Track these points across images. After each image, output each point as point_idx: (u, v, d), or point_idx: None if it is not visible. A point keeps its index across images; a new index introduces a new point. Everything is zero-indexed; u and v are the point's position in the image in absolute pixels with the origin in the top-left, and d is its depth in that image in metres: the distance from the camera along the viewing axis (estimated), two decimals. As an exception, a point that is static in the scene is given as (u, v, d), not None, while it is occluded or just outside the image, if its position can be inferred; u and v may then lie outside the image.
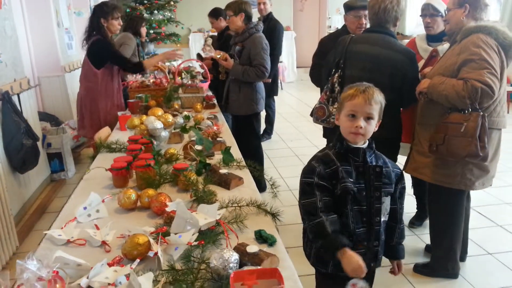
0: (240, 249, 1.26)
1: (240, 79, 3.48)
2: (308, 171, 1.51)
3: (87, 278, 1.13)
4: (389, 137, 2.58)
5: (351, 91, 1.51)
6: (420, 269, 2.62)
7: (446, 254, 2.53)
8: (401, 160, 2.72)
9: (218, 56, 3.54)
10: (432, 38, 2.93)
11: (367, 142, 1.52)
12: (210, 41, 5.10)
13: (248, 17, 3.49)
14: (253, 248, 1.26)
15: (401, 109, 2.92)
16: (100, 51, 3.39)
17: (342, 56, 2.58)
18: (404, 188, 1.61)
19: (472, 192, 2.99)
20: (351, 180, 1.45)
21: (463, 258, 2.69)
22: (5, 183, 2.85)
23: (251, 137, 3.76)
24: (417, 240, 3.00)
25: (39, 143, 3.58)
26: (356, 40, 2.59)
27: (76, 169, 4.39)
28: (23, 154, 3.19)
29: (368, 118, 1.47)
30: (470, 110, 2.17)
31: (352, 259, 1.39)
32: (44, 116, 4.39)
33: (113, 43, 3.60)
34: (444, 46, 2.70)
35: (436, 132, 2.29)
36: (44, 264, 0.97)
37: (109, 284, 1.11)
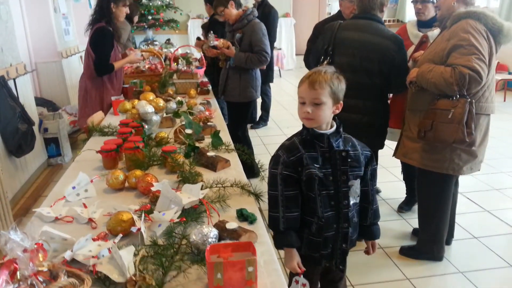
0: (220, 225, 1.32)
1: (243, 66, 3.50)
2: (274, 161, 1.53)
3: (71, 251, 1.19)
4: (376, 122, 2.63)
5: (302, 78, 1.51)
6: (405, 252, 2.69)
7: (432, 237, 2.59)
8: (392, 145, 2.77)
9: (221, 45, 3.54)
10: (423, 24, 2.95)
11: (335, 126, 1.53)
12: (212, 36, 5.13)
13: (238, 2, 3.50)
14: (232, 224, 1.31)
15: (393, 95, 2.98)
16: (101, 41, 3.31)
17: (331, 43, 2.60)
18: (375, 169, 1.63)
19: (462, 178, 3.04)
20: (317, 166, 1.47)
21: (448, 242, 2.75)
22: (1, 167, 2.90)
23: (244, 124, 3.82)
24: (405, 224, 3.06)
25: (35, 128, 3.63)
26: (344, 26, 2.61)
27: (72, 154, 4.44)
28: (18, 138, 3.24)
29: (315, 103, 1.45)
30: (458, 96, 2.20)
31: (291, 260, 1.52)
32: (41, 102, 4.44)
33: (115, 32, 3.45)
34: (434, 32, 2.73)
35: (424, 118, 2.33)
36: (28, 236, 1.03)
37: (92, 256, 1.16)
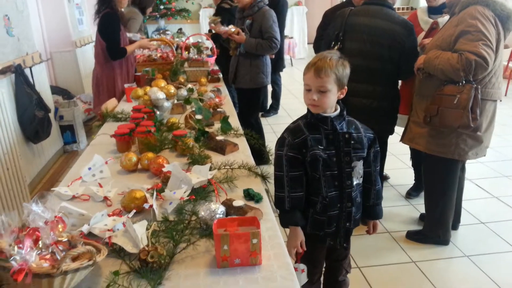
0: (227, 203, 1.39)
1: (253, 53, 3.56)
2: (279, 143, 1.58)
3: (88, 225, 1.27)
4: (386, 107, 2.66)
5: (307, 65, 1.53)
6: (412, 236, 2.73)
7: (438, 221, 2.63)
8: (401, 131, 2.79)
9: (233, 30, 3.59)
10: (433, 10, 2.96)
11: (338, 110, 1.57)
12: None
13: None
14: (239, 202, 1.38)
15: (402, 81, 3.00)
16: (109, 26, 3.42)
17: (342, 29, 2.63)
18: (378, 151, 1.67)
19: (471, 165, 3.07)
20: (321, 147, 1.52)
21: (455, 227, 2.79)
22: (19, 152, 3.01)
23: (255, 111, 3.88)
24: (412, 210, 3.10)
25: (51, 115, 3.73)
26: (355, 12, 2.64)
27: (87, 141, 4.56)
28: (35, 125, 3.35)
29: (321, 91, 1.49)
30: (464, 82, 2.22)
31: (295, 238, 1.58)
32: (56, 90, 4.55)
33: (122, 18, 3.59)
34: (444, 18, 2.74)
35: (430, 104, 2.35)
36: (49, 209, 1.11)
37: (107, 230, 1.24)
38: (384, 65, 2.56)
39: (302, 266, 1.63)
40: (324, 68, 1.48)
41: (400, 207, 3.15)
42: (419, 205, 3.13)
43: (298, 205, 1.56)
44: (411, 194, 3.28)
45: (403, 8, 9.47)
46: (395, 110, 2.75)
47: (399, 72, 2.64)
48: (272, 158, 2.00)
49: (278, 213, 1.58)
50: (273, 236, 1.28)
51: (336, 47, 2.66)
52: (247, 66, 3.65)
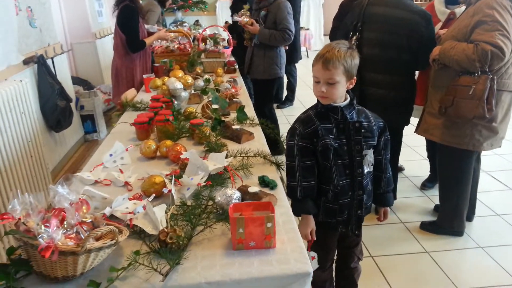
0: (242, 189, 1.43)
1: (266, 44, 3.60)
2: (290, 133, 1.61)
3: (110, 207, 1.33)
4: (403, 97, 2.66)
5: (316, 56, 1.53)
6: (426, 226, 2.74)
7: (452, 212, 2.63)
8: (415, 122, 2.79)
9: (246, 20, 3.63)
10: (450, 1, 2.93)
11: (348, 99, 1.58)
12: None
13: None
14: (254, 188, 1.42)
15: (419, 72, 2.99)
16: (128, 19, 3.49)
17: (360, 19, 2.63)
18: (388, 140, 1.69)
19: (487, 157, 3.04)
20: (331, 136, 1.54)
21: (470, 218, 2.79)
22: (42, 140, 3.11)
23: (269, 102, 3.93)
24: (427, 201, 3.10)
25: (72, 105, 3.83)
26: (373, 2, 2.63)
27: (107, 130, 4.66)
28: (57, 114, 3.45)
29: (329, 83, 1.50)
30: (479, 73, 2.21)
31: (307, 226, 1.61)
32: (77, 80, 4.65)
33: (140, 10, 3.66)
34: (461, 9, 2.71)
35: (445, 95, 2.35)
36: (73, 190, 1.17)
37: (129, 212, 1.30)
38: (402, 55, 2.56)
39: (313, 254, 1.66)
40: (332, 60, 1.48)
41: (414, 198, 3.15)
42: (434, 196, 3.13)
43: (310, 194, 1.59)
44: (426, 185, 3.28)
45: (420, -1, 9.31)
46: (412, 101, 2.74)
47: (417, 62, 2.63)
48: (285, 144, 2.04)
49: (290, 202, 1.61)
50: (287, 221, 1.32)
51: (354, 37, 2.66)
52: (261, 57, 3.69)
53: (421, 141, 3.40)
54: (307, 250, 1.61)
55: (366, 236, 2.68)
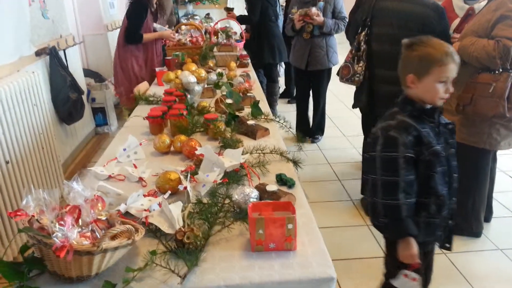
0: (260, 187, 1.39)
1: (328, 33, 3.76)
2: (388, 144, 1.40)
3: (125, 204, 1.29)
4: None
5: (439, 56, 1.38)
6: (442, 227, 2.68)
7: (469, 212, 2.57)
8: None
9: (314, 11, 3.65)
10: (469, -5, 2.85)
11: None
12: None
13: None
14: (272, 187, 1.37)
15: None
16: (134, 12, 3.53)
17: (369, 14, 2.58)
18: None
19: (504, 156, 2.97)
20: (436, 142, 1.40)
21: (488, 219, 2.72)
22: (54, 133, 3.09)
23: (325, 91, 4.10)
24: (443, 200, 3.04)
25: (84, 97, 3.81)
26: None
27: (118, 123, 4.64)
28: (69, 107, 3.43)
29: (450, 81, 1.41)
30: (500, 70, 2.14)
31: (411, 247, 1.40)
32: (88, 73, 4.63)
33: (160, 9, 3.74)
34: (481, 4, 2.63)
35: (464, 92, 2.29)
36: (88, 187, 1.13)
37: (144, 210, 1.27)
38: None
39: (414, 275, 1.45)
40: (456, 54, 1.40)
41: (430, 197, 3.08)
42: (450, 196, 3.06)
43: (411, 212, 1.42)
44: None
45: (437, -7, 9.12)
46: None
47: None
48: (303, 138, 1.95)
49: (386, 222, 1.43)
50: (307, 222, 1.27)
51: (363, 33, 2.60)
52: (323, 47, 3.82)
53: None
54: (406, 270, 1.44)
55: (380, 235, 2.61)
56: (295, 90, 5.66)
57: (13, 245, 2.38)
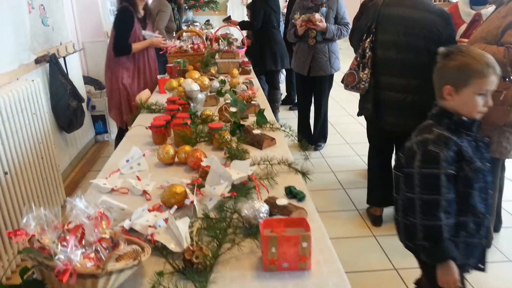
0: (270, 201, 1.33)
1: (331, 39, 3.75)
2: (428, 159, 1.33)
3: (130, 220, 1.23)
4: (423, 102, 2.54)
5: (480, 67, 1.33)
6: (451, 237, 2.62)
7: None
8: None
9: (317, 18, 3.62)
10: (476, 2, 2.83)
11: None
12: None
13: None
14: (282, 201, 1.32)
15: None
16: (121, 21, 3.26)
17: (374, 20, 2.54)
18: None
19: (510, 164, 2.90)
20: (475, 157, 1.33)
21: (497, 229, 2.66)
22: (53, 141, 3.04)
23: (327, 97, 4.08)
24: (450, 210, 2.98)
25: (84, 105, 3.76)
26: (388, 3, 2.53)
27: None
28: (69, 115, 3.37)
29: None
30: (511, 77, 2.10)
31: (453, 272, 1.33)
32: (88, 80, 4.58)
33: (147, 15, 3.44)
34: (488, 10, 2.60)
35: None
36: (91, 204, 1.08)
37: (149, 226, 1.21)
38: (419, 57, 2.46)
39: None
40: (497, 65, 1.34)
41: (437, 207, 3.03)
42: (457, 205, 3.01)
43: (451, 233, 1.34)
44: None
45: (439, 0, 9.11)
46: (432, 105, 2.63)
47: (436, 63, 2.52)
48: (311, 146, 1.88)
49: (426, 245, 1.35)
50: (320, 238, 1.21)
51: (368, 40, 2.56)
52: (325, 53, 3.80)
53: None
54: None
55: (388, 246, 2.58)
56: (296, 97, 5.65)
57: (6, 264, 2.31)
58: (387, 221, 2.83)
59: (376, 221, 2.82)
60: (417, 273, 2.33)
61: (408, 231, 1.39)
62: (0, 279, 2.20)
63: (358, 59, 2.61)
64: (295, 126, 4.22)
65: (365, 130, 3.02)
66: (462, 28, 2.72)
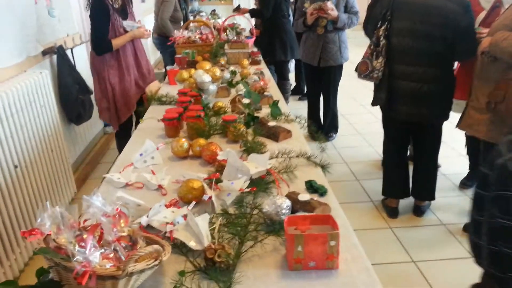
0: (292, 197, 1.28)
1: (341, 28, 3.67)
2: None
3: (147, 217, 1.19)
4: (438, 91, 2.49)
5: None
6: (469, 230, 2.56)
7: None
8: (452, 118, 2.61)
9: (329, 4, 3.54)
10: (497, -13, 2.71)
11: None
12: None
13: None
14: (305, 196, 1.26)
15: (458, 64, 2.79)
16: (95, 15, 2.87)
17: (389, 8, 2.47)
18: None
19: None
20: None
21: None
22: (63, 133, 3.00)
23: (337, 88, 4.01)
24: (467, 201, 2.92)
25: (92, 97, 3.71)
26: None
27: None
28: (78, 107, 3.33)
29: None
30: None
31: None
32: (95, 72, 4.52)
33: (112, 5, 2.91)
34: (511, -4, 2.50)
35: (495, 89, 2.17)
36: (108, 201, 1.03)
37: (167, 223, 1.16)
38: (435, 46, 2.39)
39: None
40: None
41: (454, 198, 2.97)
42: (474, 196, 2.94)
43: None
44: (465, 184, 3.09)
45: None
46: (450, 95, 2.56)
47: (453, 53, 2.44)
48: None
49: (508, 276, 1.25)
50: (346, 235, 1.16)
51: (382, 27, 2.49)
52: (336, 43, 3.73)
53: (457, 136, 3.22)
54: None
55: (405, 238, 2.53)
56: (305, 87, 5.57)
57: (19, 257, 2.29)
58: (402, 212, 2.78)
59: (392, 213, 2.77)
60: (437, 266, 2.28)
61: (499, 261, 1.25)
62: (15, 277, 2.18)
63: (372, 47, 2.54)
64: (304, 117, 4.16)
65: (377, 120, 2.97)
66: (481, 15, 2.62)
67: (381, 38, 2.50)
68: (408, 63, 2.46)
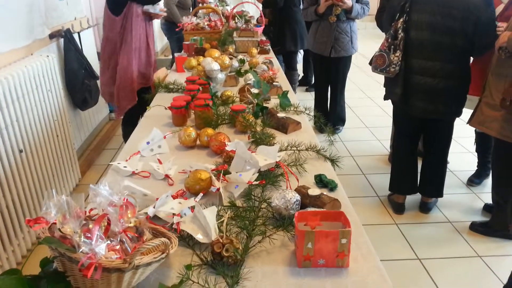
0: (301, 191, 1.25)
1: (354, 18, 3.67)
2: None
3: (154, 207, 1.17)
4: (455, 87, 2.44)
5: None
6: (477, 228, 2.53)
7: (507, 214, 2.42)
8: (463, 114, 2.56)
9: None
10: (516, -20, 2.63)
11: None
12: None
13: None
14: (315, 191, 1.24)
15: (472, 59, 2.73)
16: None
17: (408, 0, 2.40)
18: None
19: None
20: None
21: None
22: (68, 119, 2.98)
23: (345, 80, 3.99)
24: (475, 199, 2.88)
25: (98, 82, 3.68)
26: None
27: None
28: (84, 92, 3.30)
29: None
30: None
31: None
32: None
33: None
34: (530, -11, 2.43)
35: (511, 86, 2.11)
36: (115, 190, 1.01)
37: (174, 214, 1.14)
38: (454, 40, 2.33)
39: None
40: None
41: (461, 195, 2.93)
42: (482, 194, 2.91)
43: None
44: (473, 181, 3.05)
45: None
46: (465, 91, 2.51)
47: (472, 48, 2.38)
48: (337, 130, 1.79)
49: None
50: (357, 233, 1.13)
51: (401, 20, 2.42)
52: (348, 32, 3.72)
53: (465, 132, 3.17)
54: None
55: (412, 235, 2.50)
56: (313, 78, 5.51)
57: (22, 243, 2.28)
58: (409, 208, 2.75)
59: (399, 208, 2.74)
60: (442, 264, 2.26)
61: None
62: (20, 266, 2.17)
63: (390, 40, 2.47)
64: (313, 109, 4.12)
65: (385, 114, 2.92)
66: (499, 8, 2.55)
67: (399, 31, 2.43)
68: (426, 57, 2.40)
